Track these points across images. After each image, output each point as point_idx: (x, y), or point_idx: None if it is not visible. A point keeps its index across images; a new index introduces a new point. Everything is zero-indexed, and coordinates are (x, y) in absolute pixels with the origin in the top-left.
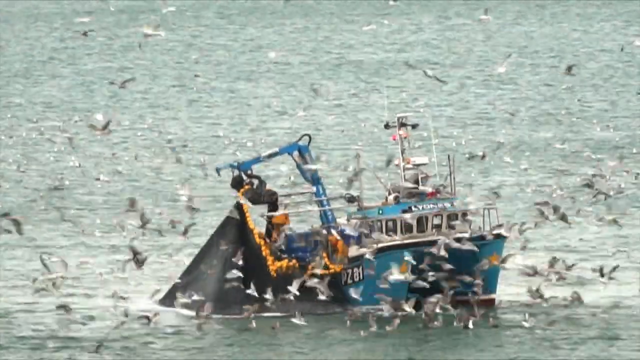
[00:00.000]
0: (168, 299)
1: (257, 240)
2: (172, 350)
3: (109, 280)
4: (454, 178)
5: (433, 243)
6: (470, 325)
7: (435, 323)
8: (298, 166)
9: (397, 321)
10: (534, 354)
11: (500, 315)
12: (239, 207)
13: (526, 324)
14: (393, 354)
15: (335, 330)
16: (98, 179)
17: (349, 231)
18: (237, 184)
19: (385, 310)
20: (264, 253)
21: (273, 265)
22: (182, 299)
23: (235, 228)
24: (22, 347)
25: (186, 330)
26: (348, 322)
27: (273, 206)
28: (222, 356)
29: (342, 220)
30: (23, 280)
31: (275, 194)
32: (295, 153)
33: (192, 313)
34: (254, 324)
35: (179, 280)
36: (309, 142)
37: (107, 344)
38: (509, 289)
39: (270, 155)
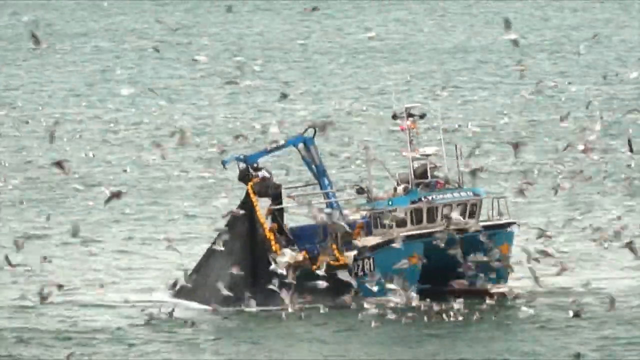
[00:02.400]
0: (180, 292)
1: (267, 234)
2: (180, 345)
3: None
4: (462, 168)
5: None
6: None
7: (446, 316)
8: (303, 158)
9: (408, 314)
10: (549, 342)
11: (512, 305)
12: (247, 200)
13: (539, 314)
14: (404, 351)
15: (346, 325)
16: (125, 171)
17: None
18: (244, 177)
19: (396, 301)
20: (273, 247)
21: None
22: (193, 291)
23: (244, 221)
24: (30, 344)
25: (196, 324)
26: (360, 315)
27: (277, 199)
28: (230, 351)
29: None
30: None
31: (280, 187)
32: (301, 145)
33: (203, 306)
34: (262, 317)
35: (191, 273)
36: (314, 135)
37: (115, 338)
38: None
39: (277, 148)
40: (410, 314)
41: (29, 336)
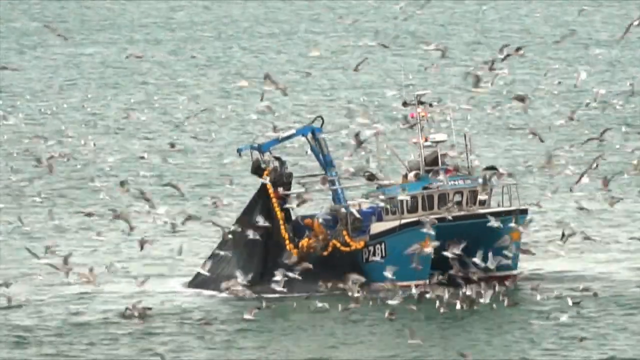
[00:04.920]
0: (197, 280)
1: (283, 230)
2: (191, 335)
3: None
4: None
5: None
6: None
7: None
8: (312, 148)
9: (414, 307)
10: (558, 332)
11: (521, 292)
12: (264, 189)
13: (548, 301)
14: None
15: (353, 318)
16: (142, 157)
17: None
18: (257, 167)
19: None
20: (287, 246)
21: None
22: (209, 278)
23: (262, 209)
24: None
25: (203, 316)
26: (371, 302)
27: (288, 187)
28: (240, 341)
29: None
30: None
31: (291, 175)
32: (310, 135)
33: (220, 292)
34: (268, 309)
35: (208, 260)
36: (322, 124)
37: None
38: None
39: (287, 137)
40: (416, 307)
41: (32, 333)
